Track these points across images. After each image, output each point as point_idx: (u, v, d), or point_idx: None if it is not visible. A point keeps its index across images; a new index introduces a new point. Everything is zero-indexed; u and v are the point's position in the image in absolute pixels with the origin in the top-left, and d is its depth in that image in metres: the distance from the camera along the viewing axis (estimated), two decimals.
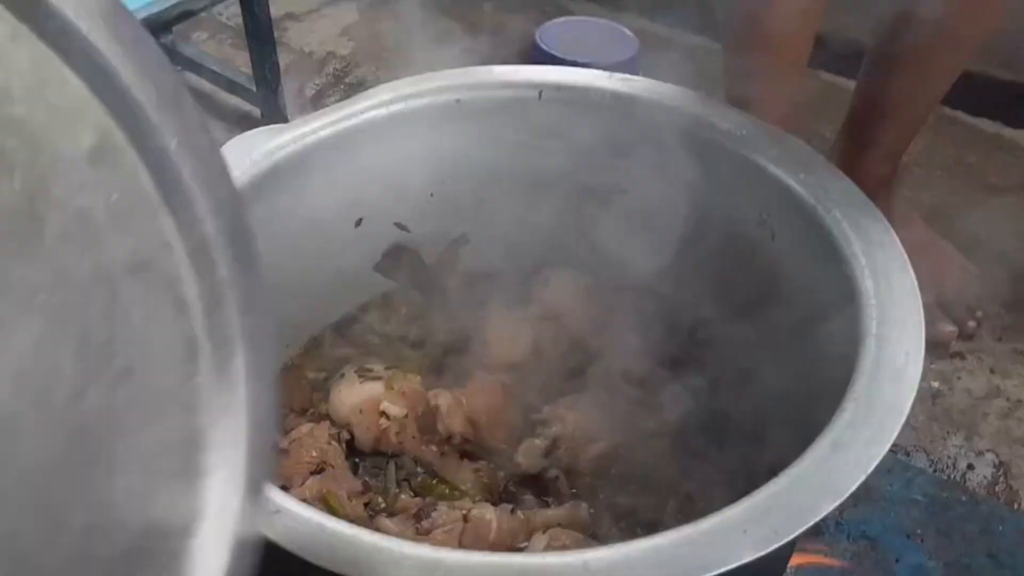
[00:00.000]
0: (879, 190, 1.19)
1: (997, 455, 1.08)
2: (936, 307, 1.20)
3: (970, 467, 1.07)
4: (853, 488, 0.55)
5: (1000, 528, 1.01)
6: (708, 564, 0.51)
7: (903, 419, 0.59)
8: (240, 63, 1.57)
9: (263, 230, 0.80)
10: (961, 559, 0.98)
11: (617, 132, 0.86)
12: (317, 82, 1.61)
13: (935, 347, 1.19)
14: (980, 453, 1.08)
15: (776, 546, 0.52)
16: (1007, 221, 1.34)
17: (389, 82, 0.88)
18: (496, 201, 0.92)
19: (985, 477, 1.06)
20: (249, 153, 0.80)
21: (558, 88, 0.87)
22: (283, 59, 1.53)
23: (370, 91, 0.87)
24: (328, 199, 0.86)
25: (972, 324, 1.23)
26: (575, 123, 0.87)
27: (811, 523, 0.54)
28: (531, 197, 0.92)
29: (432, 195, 0.91)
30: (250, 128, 1.50)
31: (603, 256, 0.88)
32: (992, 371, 1.17)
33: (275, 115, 1.50)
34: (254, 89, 1.49)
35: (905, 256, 0.69)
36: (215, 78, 1.55)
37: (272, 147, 0.81)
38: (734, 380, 0.80)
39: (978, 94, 1.46)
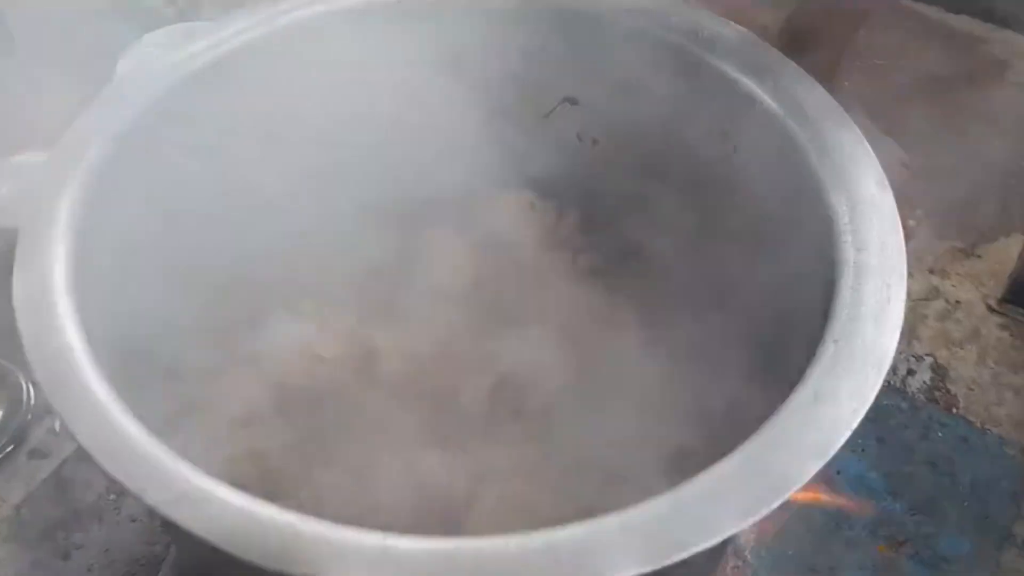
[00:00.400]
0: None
1: (936, 358, 1.07)
2: None
3: (910, 372, 1.06)
4: (838, 447, 0.51)
5: (939, 434, 1.01)
6: (688, 540, 0.47)
7: (887, 365, 0.55)
8: None
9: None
10: (903, 468, 0.98)
11: (564, 35, 0.78)
12: None
13: None
14: (920, 358, 1.07)
15: (760, 516, 0.48)
16: (948, 112, 1.30)
17: None
18: (434, 116, 0.84)
19: (924, 382, 1.05)
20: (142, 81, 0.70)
21: None
22: None
23: None
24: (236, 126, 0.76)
25: (911, 223, 1.21)
26: (517, 28, 0.78)
27: (796, 488, 0.50)
28: (473, 109, 0.83)
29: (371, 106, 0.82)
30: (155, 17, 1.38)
31: (550, 175, 0.82)
32: (931, 271, 1.15)
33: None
34: None
35: (883, 174, 0.64)
36: None
37: (173, 62, 0.71)
38: (696, 304, 0.75)
39: None
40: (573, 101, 0.82)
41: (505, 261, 0.77)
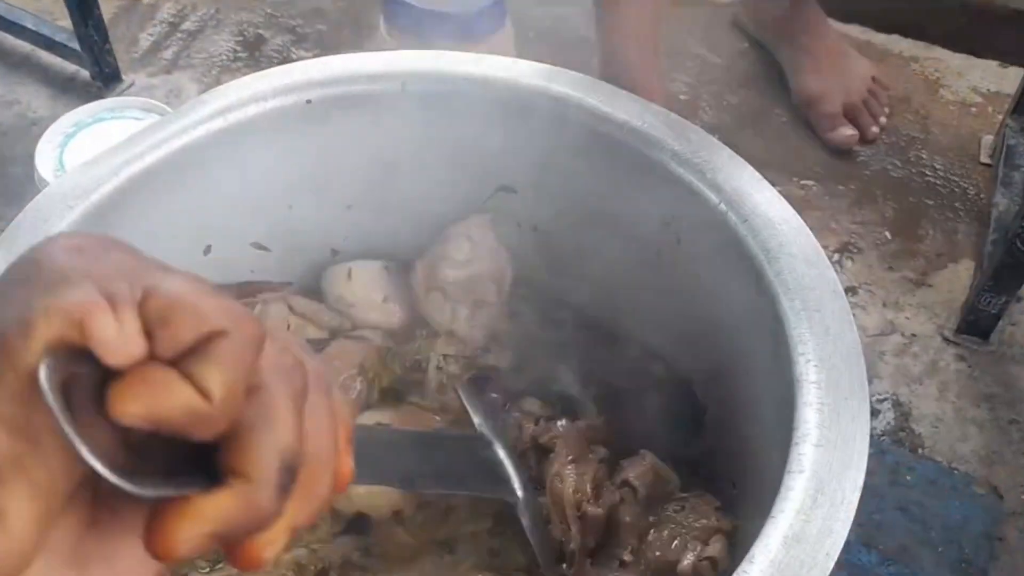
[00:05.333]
0: None
1: (897, 397, 1.02)
2: (842, 115, 1.22)
3: (874, 413, 1.01)
4: None
5: (908, 478, 0.96)
6: None
7: (858, 493, 0.50)
8: (60, 17, 1.33)
9: None
10: (873, 516, 0.93)
11: (496, 126, 0.72)
12: (151, 32, 1.38)
13: (838, 153, 1.23)
14: (882, 399, 1.02)
15: None
16: (885, 135, 1.26)
17: (224, 85, 0.70)
18: (365, 210, 0.77)
19: (889, 423, 1.00)
20: (66, 198, 0.63)
21: (423, 78, 0.72)
22: (108, 9, 1.30)
23: (204, 97, 0.70)
24: (167, 229, 0.70)
25: (875, 130, 1.24)
26: (447, 117, 0.72)
27: None
28: (404, 201, 0.77)
29: (291, 207, 0.76)
30: (78, 92, 1.30)
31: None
32: (884, 304, 1.11)
33: (106, 75, 1.28)
34: (78, 48, 1.26)
35: (834, 275, 0.58)
36: (33, 37, 1.30)
37: (90, 182, 0.64)
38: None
39: None
40: (510, 190, 0.76)
41: None
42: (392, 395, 0.75)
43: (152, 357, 0.26)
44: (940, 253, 1.15)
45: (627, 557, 0.64)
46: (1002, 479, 0.95)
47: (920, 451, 0.98)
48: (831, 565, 0.47)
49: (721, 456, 0.70)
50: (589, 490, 0.64)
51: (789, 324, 0.56)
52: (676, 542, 0.63)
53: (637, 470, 0.67)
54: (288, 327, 0.74)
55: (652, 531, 0.64)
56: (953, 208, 1.19)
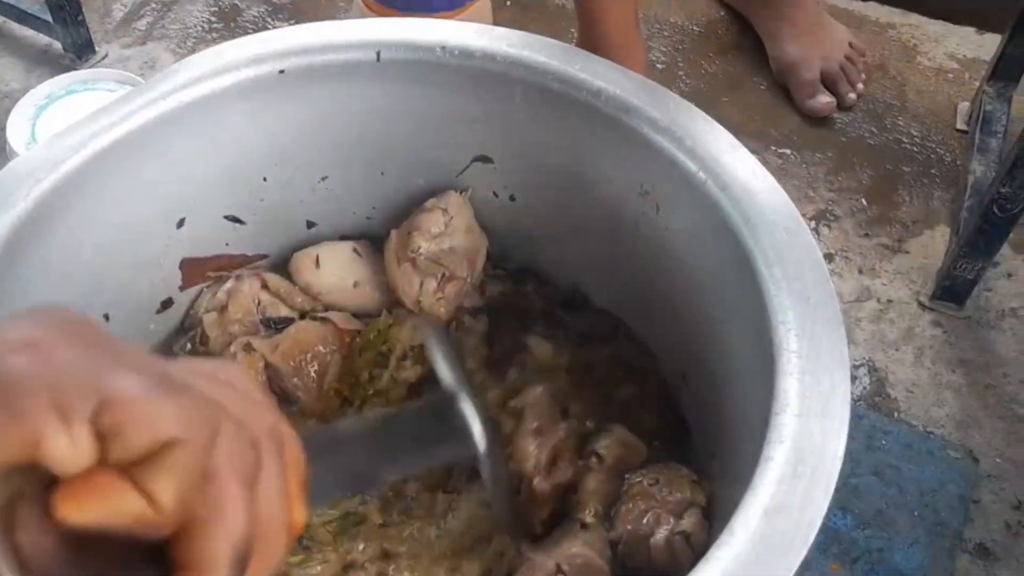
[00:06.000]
0: None
1: (874, 363, 1.02)
2: (820, 81, 1.21)
3: (852, 379, 1.00)
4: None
5: (883, 442, 0.96)
6: None
7: (839, 463, 0.49)
8: None
9: (67, 245, 0.64)
10: (848, 481, 0.93)
11: (474, 95, 0.70)
12: (124, 2, 1.35)
13: (816, 120, 1.22)
14: (858, 364, 1.02)
15: None
16: (862, 102, 1.24)
17: (195, 55, 0.68)
18: (341, 180, 0.76)
19: (865, 388, 1.00)
20: (34, 171, 0.61)
21: (398, 47, 0.70)
22: None
23: (174, 67, 0.67)
24: (139, 203, 0.68)
25: (852, 96, 1.22)
26: (423, 87, 0.70)
27: None
28: (380, 173, 0.75)
29: (265, 179, 0.74)
30: (51, 65, 1.26)
31: None
32: (860, 271, 1.10)
33: (78, 47, 1.25)
34: (50, 19, 1.23)
35: (814, 243, 0.57)
36: (5, 9, 1.27)
37: (59, 155, 0.62)
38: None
39: None
40: (486, 159, 0.74)
41: None
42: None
43: (103, 461, 0.26)
44: (916, 220, 1.14)
45: (589, 519, 0.64)
46: (977, 443, 0.95)
47: (896, 416, 0.98)
48: (812, 535, 0.46)
49: (699, 427, 0.70)
50: (544, 462, 0.64)
51: (769, 293, 0.55)
52: (649, 517, 0.63)
53: (604, 441, 0.67)
54: (258, 304, 0.72)
55: (624, 505, 0.63)
56: (929, 175, 1.18)
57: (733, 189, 0.59)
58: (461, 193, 0.74)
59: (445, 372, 0.56)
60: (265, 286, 0.73)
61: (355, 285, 0.75)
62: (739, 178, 0.60)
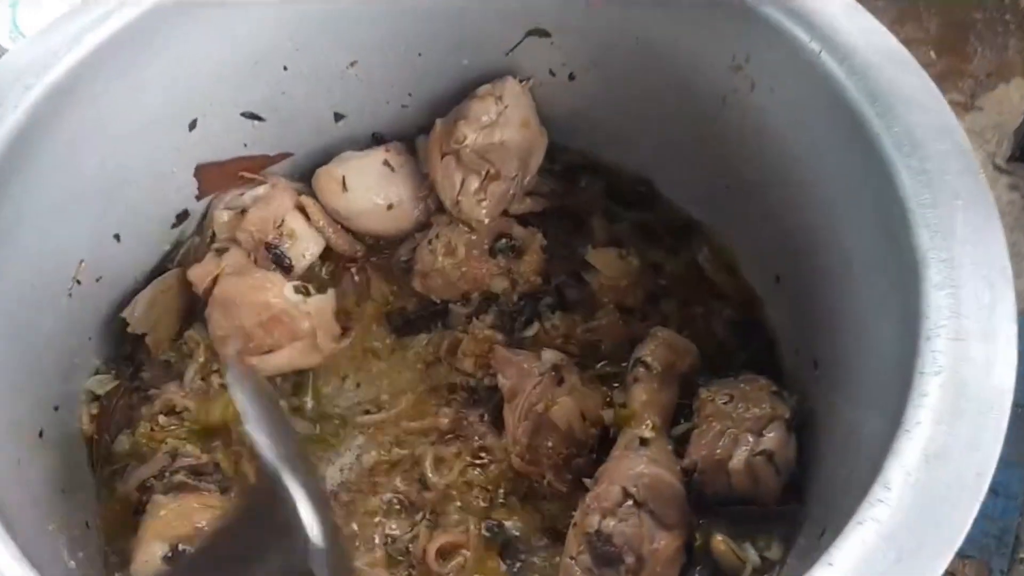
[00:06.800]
0: None
1: None
2: None
3: None
4: None
5: None
6: None
7: (1010, 396, 0.41)
8: None
9: (67, 162, 0.54)
10: None
11: None
12: None
13: None
14: None
15: None
16: None
17: None
18: (372, 64, 0.65)
19: None
20: (21, 76, 0.51)
21: None
22: None
23: None
24: (143, 106, 0.57)
25: None
26: None
27: None
28: (417, 54, 0.64)
29: (286, 68, 0.63)
30: None
31: None
32: None
33: None
34: None
35: (959, 128, 0.47)
36: None
37: (47, 55, 0.52)
38: None
39: None
40: (542, 33, 0.63)
41: None
42: None
43: None
44: (990, 73, 1.03)
45: (647, 433, 0.57)
46: None
47: None
48: (984, 487, 0.38)
49: (791, 333, 0.61)
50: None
51: (905, 187, 0.46)
52: (724, 439, 0.55)
53: (650, 347, 0.60)
54: (278, 226, 0.63)
55: (695, 429, 0.57)
56: (1003, 22, 1.06)
57: (854, 61, 0.49)
58: (522, 81, 0.63)
59: (262, 438, 0.45)
60: (300, 207, 0.64)
61: (389, 208, 0.66)
62: (861, 48, 0.49)
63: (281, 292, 0.61)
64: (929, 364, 0.41)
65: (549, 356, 0.61)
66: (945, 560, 0.37)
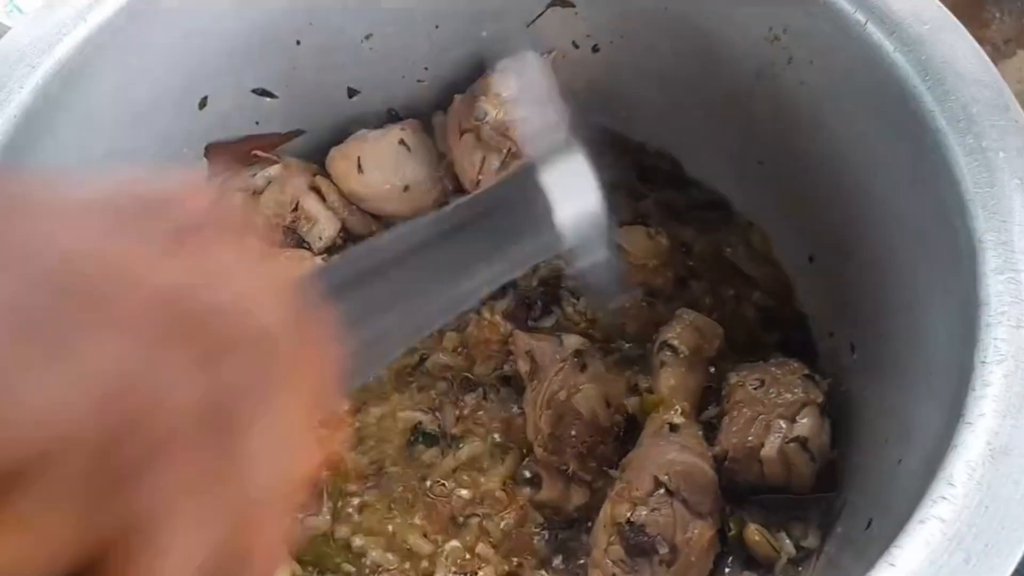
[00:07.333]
0: None
1: None
2: None
3: None
4: None
5: None
6: None
7: None
8: None
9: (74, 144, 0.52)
10: None
11: None
12: None
13: None
14: None
15: None
16: None
17: None
18: (388, 37, 0.62)
19: None
20: (25, 56, 0.48)
21: None
22: None
23: None
24: (152, 83, 0.55)
25: None
26: None
27: None
28: (434, 26, 0.61)
29: (299, 43, 0.60)
30: None
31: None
32: None
33: None
34: None
35: (1016, 105, 0.45)
36: None
37: (51, 33, 0.49)
38: None
39: None
40: (565, 3, 0.61)
41: None
42: None
43: None
44: (1008, 39, 1.00)
45: (677, 419, 0.55)
46: None
47: None
48: None
49: (826, 316, 0.59)
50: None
51: (960, 167, 0.43)
52: (756, 425, 0.53)
53: (676, 329, 0.58)
54: (294, 208, 0.61)
55: (725, 416, 0.55)
56: None
57: (904, 33, 0.46)
58: (544, 55, 0.61)
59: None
60: (320, 195, 0.62)
61: (406, 189, 0.63)
62: (910, 18, 0.47)
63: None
64: (992, 353, 0.39)
65: (571, 341, 0.59)
66: (1014, 562, 0.35)
